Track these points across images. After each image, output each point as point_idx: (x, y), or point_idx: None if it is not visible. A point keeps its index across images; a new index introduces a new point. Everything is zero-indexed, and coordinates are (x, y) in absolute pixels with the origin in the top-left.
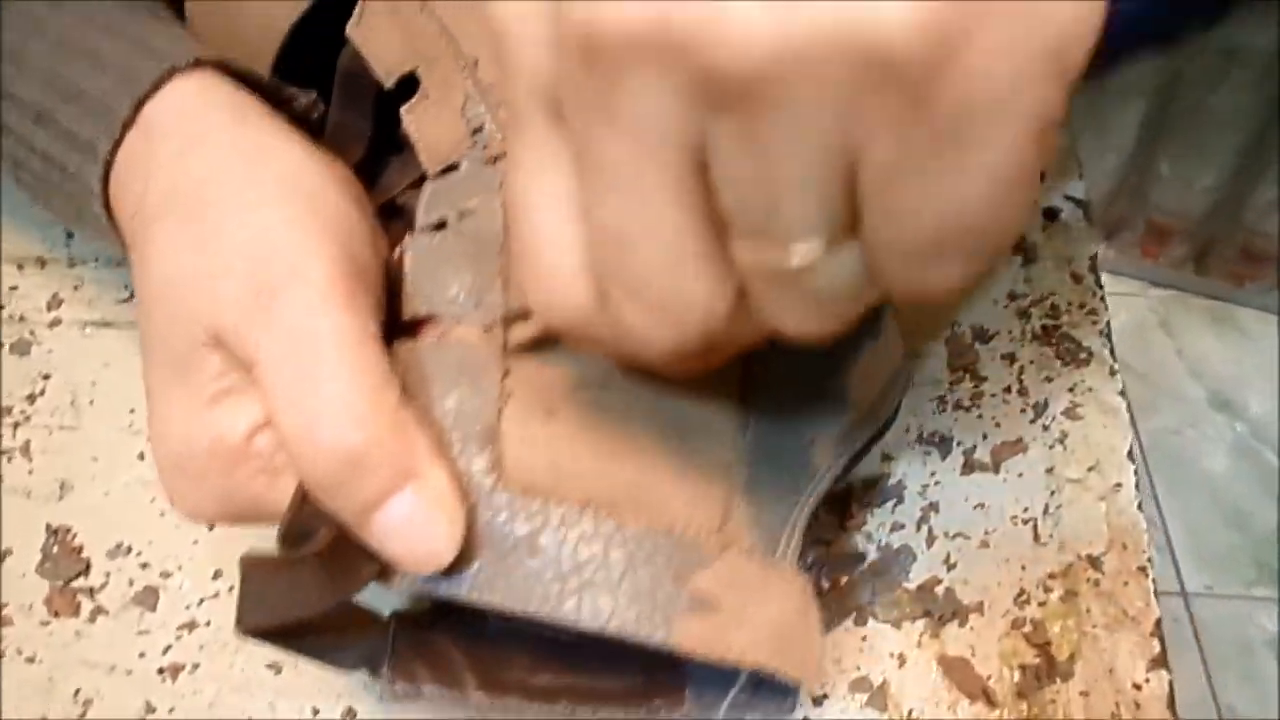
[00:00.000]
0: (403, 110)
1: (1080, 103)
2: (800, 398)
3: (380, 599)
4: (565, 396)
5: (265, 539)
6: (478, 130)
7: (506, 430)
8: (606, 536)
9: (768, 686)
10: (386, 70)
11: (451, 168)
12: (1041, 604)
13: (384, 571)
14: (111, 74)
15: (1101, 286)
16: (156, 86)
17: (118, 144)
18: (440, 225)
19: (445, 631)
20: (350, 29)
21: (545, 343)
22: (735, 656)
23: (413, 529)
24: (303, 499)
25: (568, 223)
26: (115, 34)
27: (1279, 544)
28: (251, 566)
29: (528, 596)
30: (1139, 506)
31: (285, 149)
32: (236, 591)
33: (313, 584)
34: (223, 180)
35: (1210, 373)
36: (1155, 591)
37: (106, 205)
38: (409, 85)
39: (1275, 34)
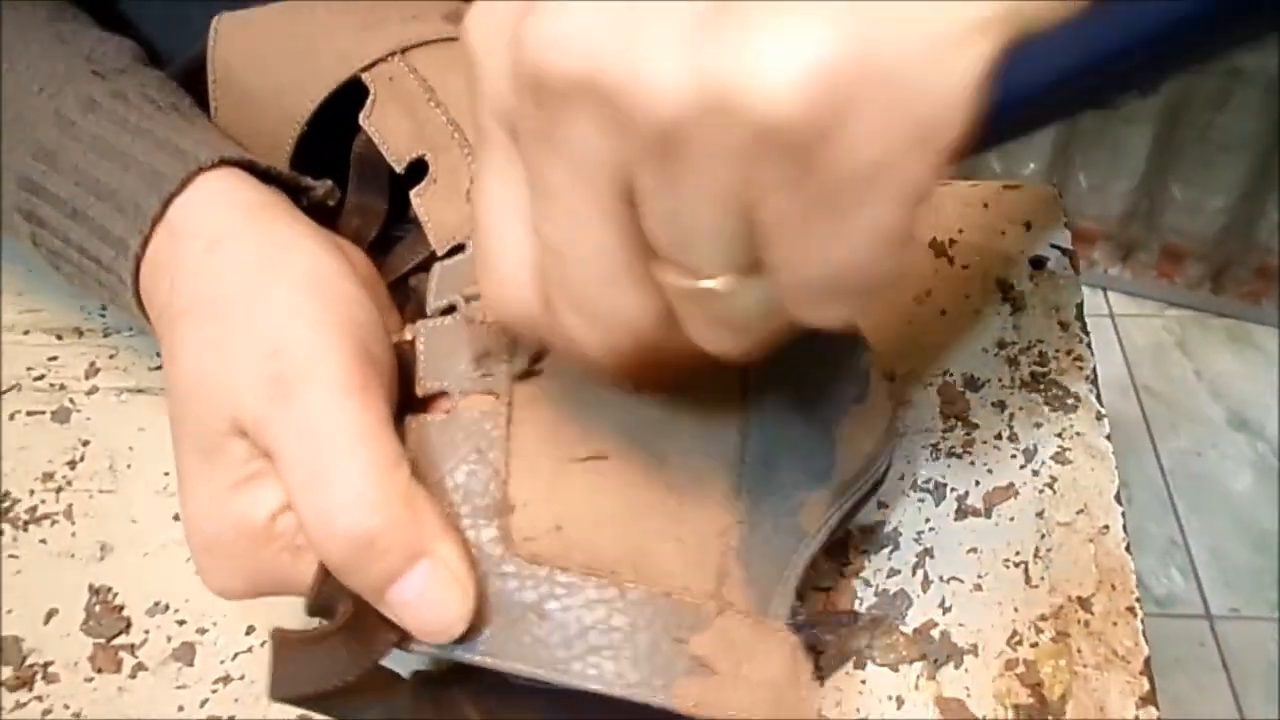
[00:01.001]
0: (412, 194)
1: (1091, 128)
2: (791, 464)
3: (401, 660)
4: (569, 464)
5: (294, 604)
6: None
7: (513, 499)
8: (609, 602)
9: None
10: (398, 156)
11: (459, 248)
12: (1034, 645)
13: (403, 639)
14: (141, 174)
15: (1088, 334)
16: (183, 185)
17: (147, 239)
18: (449, 310)
19: (462, 689)
20: (363, 118)
21: (537, 374)
22: (733, 715)
23: (426, 603)
24: (325, 575)
25: (521, 231)
26: (144, 135)
27: None
28: (281, 642)
29: (536, 660)
30: (1127, 549)
31: (302, 247)
32: (269, 661)
33: (338, 656)
34: (242, 280)
35: (1229, 392)
36: (1144, 632)
37: (138, 296)
38: (420, 167)
39: (1276, 58)
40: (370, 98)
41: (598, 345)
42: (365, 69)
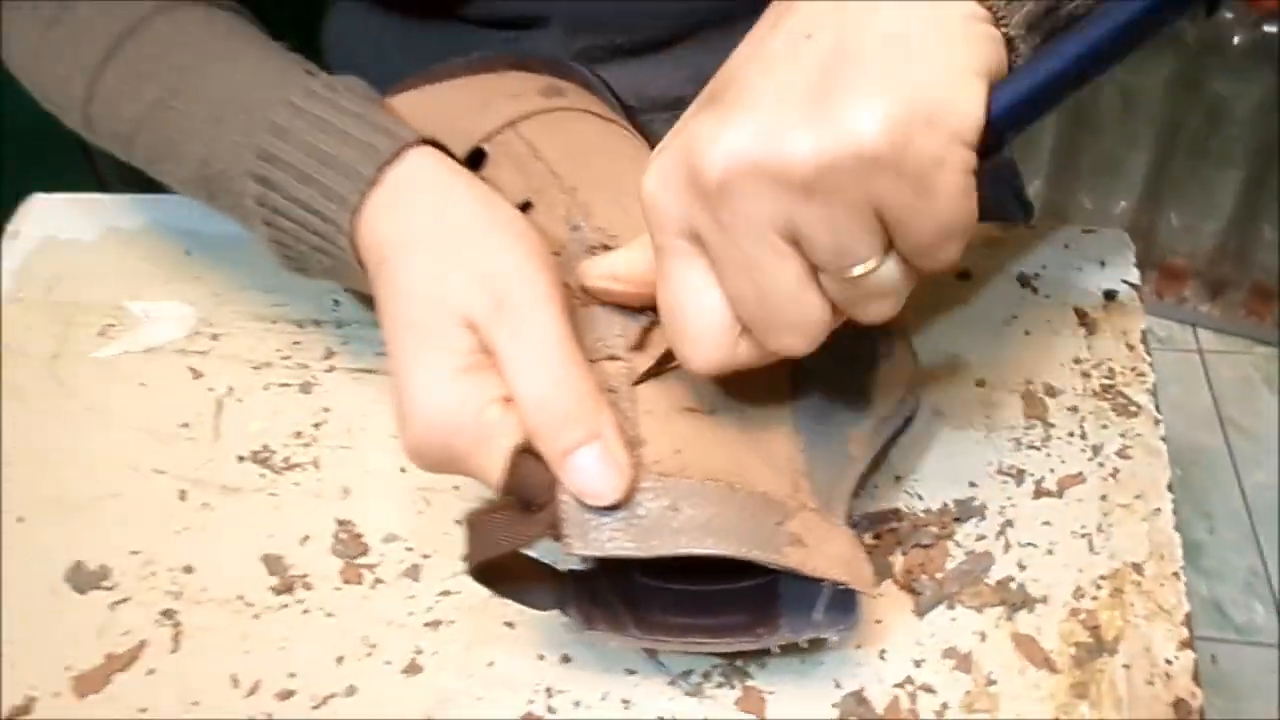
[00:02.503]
0: None
1: (1182, 169)
2: (837, 407)
3: (563, 563)
4: (679, 411)
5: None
6: (576, 227)
7: (642, 436)
8: (725, 499)
9: (833, 608)
10: (510, 199)
11: (555, 254)
12: (1094, 598)
13: (554, 528)
14: (358, 147)
15: (1151, 354)
16: (394, 156)
17: (364, 197)
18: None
19: (608, 585)
20: (481, 174)
21: (662, 372)
22: (823, 573)
23: (595, 471)
24: (513, 462)
25: (707, 305)
26: (357, 118)
27: None
28: (471, 520)
29: (676, 544)
30: (1175, 527)
31: (501, 202)
32: (465, 539)
33: (511, 525)
34: (467, 220)
35: None
36: (1185, 592)
37: (352, 241)
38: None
39: (1264, 86)
40: (488, 159)
41: (797, 347)
42: (485, 139)
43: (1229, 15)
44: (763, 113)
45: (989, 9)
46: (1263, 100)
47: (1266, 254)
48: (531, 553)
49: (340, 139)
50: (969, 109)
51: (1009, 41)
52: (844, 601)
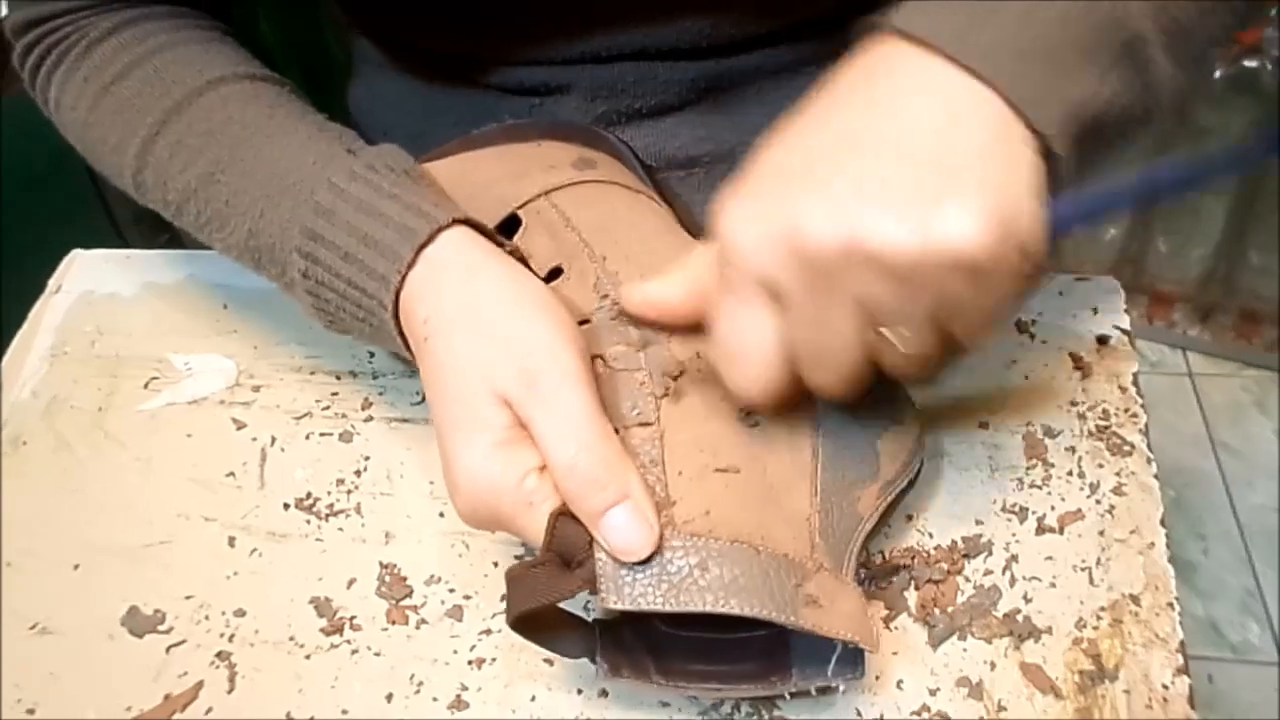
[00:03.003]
0: (550, 286)
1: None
2: (849, 468)
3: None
4: (709, 472)
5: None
6: (605, 296)
7: (673, 497)
8: (749, 560)
9: (841, 660)
10: (540, 265)
11: (584, 320)
12: (1095, 628)
13: (591, 584)
14: (398, 230)
15: (1143, 395)
16: (431, 238)
17: (404, 277)
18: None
19: (632, 634)
20: (517, 239)
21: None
22: (835, 633)
23: (626, 529)
24: (554, 524)
25: (768, 344)
26: (395, 199)
27: None
28: (511, 575)
29: (703, 601)
30: (1169, 560)
31: (532, 281)
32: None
33: (549, 580)
34: (498, 299)
35: None
36: (1180, 622)
37: (396, 319)
38: (555, 271)
39: (1245, 118)
40: (523, 226)
41: (836, 386)
42: (520, 207)
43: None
44: (873, 204)
45: (1036, 134)
46: (1245, 132)
47: (1254, 278)
48: (567, 609)
49: (381, 221)
50: (1033, 225)
51: (1052, 156)
52: (852, 655)
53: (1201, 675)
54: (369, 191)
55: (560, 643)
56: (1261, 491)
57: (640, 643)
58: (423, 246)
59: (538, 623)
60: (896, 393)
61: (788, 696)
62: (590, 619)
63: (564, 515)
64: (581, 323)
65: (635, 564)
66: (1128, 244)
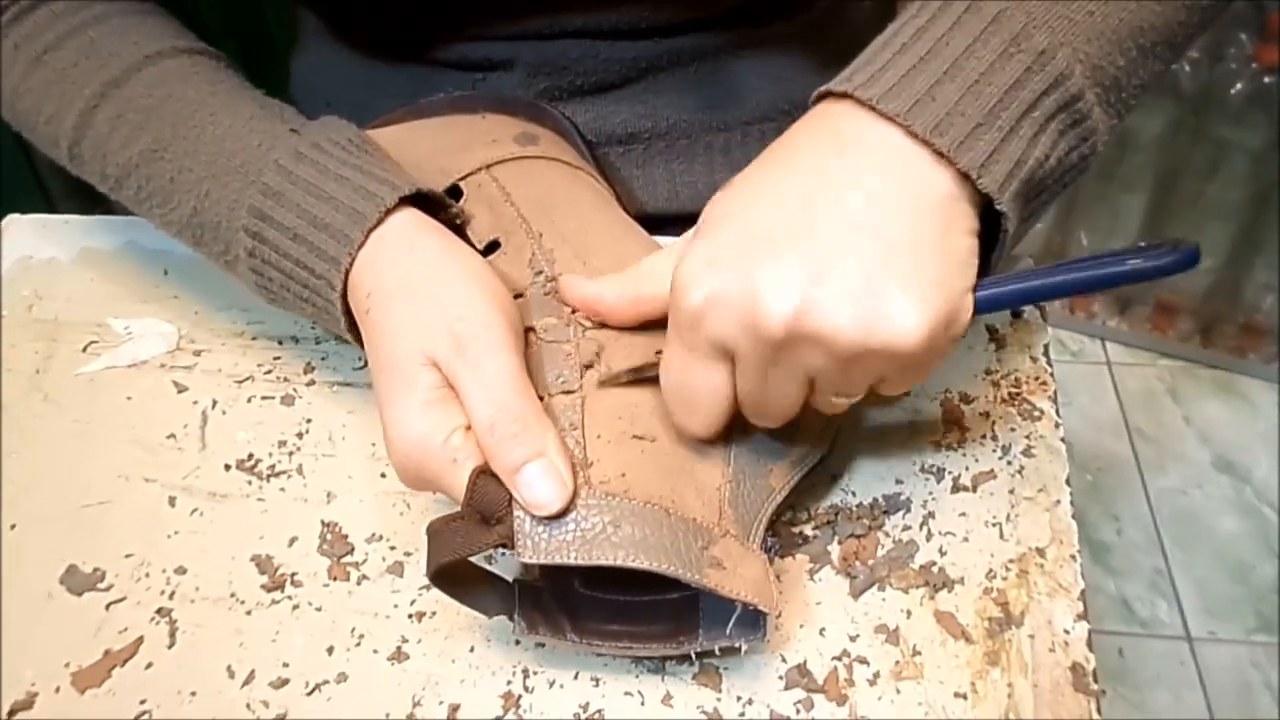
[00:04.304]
0: (487, 259)
1: (1092, 194)
2: (762, 444)
3: (509, 572)
4: (627, 438)
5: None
6: (539, 272)
7: (590, 459)
8: (660, 521)
9: (744, 622)
10: (479, 237)
11: (519, 294)
12: (1004, 579)
13: (508, 541)
14: (347, 213)
15: (1051, 365)
16: (379, 222)
17: (353, 259)
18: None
19: (550, 594)
20: (459, 207)
21: (627, 383)
22: (737, 595)
23: (539, 484)
24: (473, 481)
25: (719, 393)
26: (344, 181)
27: (1279, 595)
28: (431, 529)
29: (615, 556)
30: (1072, 516)
31: (467, 252)
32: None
33: (465, 534)
34: (434, 272)
35: (1215, 437)
36: (1081, 572)
37: (344, 297)
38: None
39: (1262, 134)
40: (464, 198)
41: (773, 424)
42: (462, 178)
43: (1231, 66)
44: (826, 289)
45: (982, 196)
46: (1261, 148)
47: None
48: (487, 567)
49: (330, 205)
50: (966, 319)
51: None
52: (754, 618)
53: (1112, 649)
54: (315, 173)
55: (480, 600)
56: (1173, 476)
57: (558, 603)
58: (372, 229)
59: (459, 579)
60: None
61: (694, 656)
62: (510, 579)
63: (485, 473)
64: (516, 296)
65: (551, 521)
66: (1052, 236)
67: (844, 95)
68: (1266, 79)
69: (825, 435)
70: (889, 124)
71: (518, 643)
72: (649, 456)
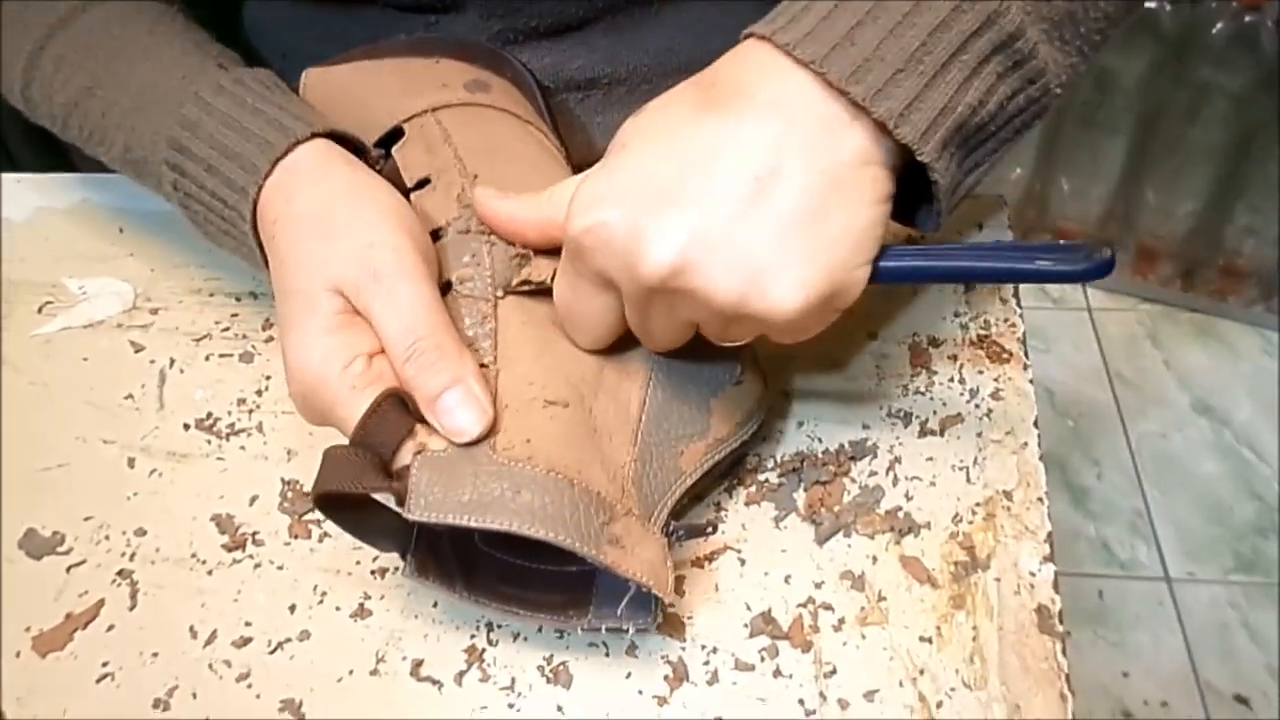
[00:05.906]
0: (413, 196)
1: (1072, 137)
2: (675, 424)
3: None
4: (536, 405)
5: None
6: (467, 205)
7: (497, 426)
8: (562, 491)
9: (636, 604)
10: (410, 176)
11: (437, 232)
12: (970, 522)
13: (401, 495)
14: (257, 143)
15: (1021, 306)
16: (287, 151)
17: (260, 188)
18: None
19: (449, 545)
20: (395, 150)
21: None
22: (631, 575)
23: (458, 410)
24: (370, 413)
25: (600, 314)
26: (258, 114)
27: (1256, 535)
28: (326, 453)
29: (511, 521)
30: (1040, 459)
31: (379, 184)
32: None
33: (357, 467)
34: (345, 200)
35: (1195, 381)
36: (1049, 514)
37: (254, 224)
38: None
39: (1244, 76)
40: (405, 137)
41: (664, 350)
42: (406, 120)
43: (1212, 5)
44: (712, 249)
45: (902, 146)
46: (1241, 92)
47: (1150, 217)
48: (386, 502)
49: (242, 135)
50: (855, 294)
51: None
52: (646, 600)
53: (1092, 591)
54: (233, 105)
55: (373, 535)
56: (1153, 420)
57: (454, 554)
58: (279, 159)
59: (353, 509)
60: (740, 352)
61: (579, 632)
62: (409, 518)
63: (391, 398)
64: (435, 235)
65: (449, 481)
66: (1032, 183)
67: (763, 39)
68: (1248, 18)
69: (748, 417)
70: (804, 71)
71: None
72: (558, 425)
